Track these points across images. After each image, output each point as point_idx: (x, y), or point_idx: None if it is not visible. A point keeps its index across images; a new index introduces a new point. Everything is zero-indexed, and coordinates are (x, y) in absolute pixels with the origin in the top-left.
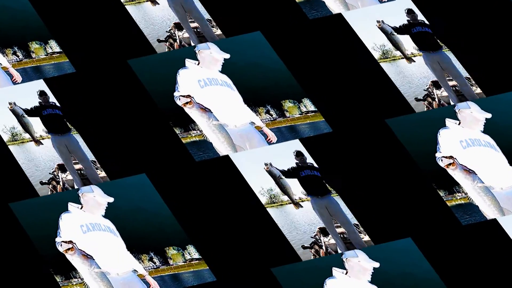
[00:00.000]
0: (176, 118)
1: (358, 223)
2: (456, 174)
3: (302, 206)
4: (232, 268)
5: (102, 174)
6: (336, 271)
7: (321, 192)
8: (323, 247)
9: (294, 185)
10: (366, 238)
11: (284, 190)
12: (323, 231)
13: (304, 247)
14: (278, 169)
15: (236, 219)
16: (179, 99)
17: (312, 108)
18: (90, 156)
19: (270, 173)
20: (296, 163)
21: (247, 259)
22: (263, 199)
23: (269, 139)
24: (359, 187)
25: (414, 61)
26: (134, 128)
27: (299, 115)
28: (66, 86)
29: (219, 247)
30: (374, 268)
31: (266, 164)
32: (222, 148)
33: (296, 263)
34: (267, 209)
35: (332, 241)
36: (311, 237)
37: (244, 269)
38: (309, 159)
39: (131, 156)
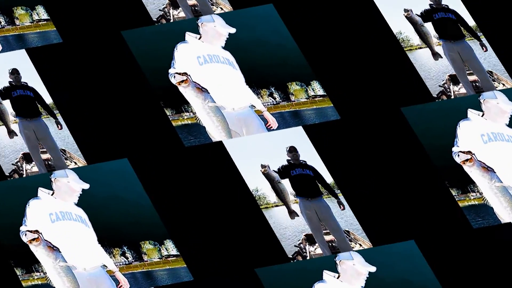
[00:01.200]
0: (168, 97)
1: (349, 230)
2: (472, 171)
3: (298, 215)
4: (212, 267)
5: (71, 165)
6: (327, 274)
7: (311, 194)
8: (308, 257)
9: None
10: (357, 247)
11: (281, 196)
12: (310, 239)
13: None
14: (276, 172)
15: (223, 214)
16: (174, 76)
17: (320, 92)
18: (62, 144)
19: (268, 176)
20: (288, 161)
21: (230, 258)
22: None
23: (269, 125)
24: (363, 182)
25: (441, 57)
26: (120, 106)
27: (306, 100)
28: (50, 57)
29: (200, 244)
30: (369, 273)
31: (263, 166)
32: (215, 133)
33: (283, 264)
34: (267, 209)
35: (319, 250)
36: (295, 246)
37: (225, 269)
38: (308, 152)
39: (114, 138)
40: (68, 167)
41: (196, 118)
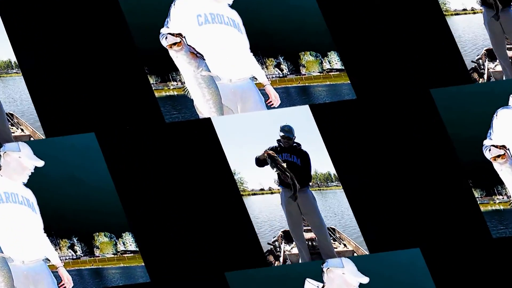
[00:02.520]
0: (155, 63)
1: (335, 227)
2: (503, 170)
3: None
4: (175, 268)
5: (17, 133)
6: (310, 283)
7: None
8: (281, 258)
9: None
10: (340, 247)
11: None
12: (287, 237)
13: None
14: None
15: (197, 206)
16: (166, 37)
17: (338, 65)
18: (13, 109)
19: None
20: (278, 142)
21: (197, 258)
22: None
23: (270, 101)
24: (369, 176)
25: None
26: (96, 70)
27: (318, 74)
28: (20, 8)
29: (164, 239)
30: (361, 285)
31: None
32: (204, 108)
33: (260, 269)
34: (243, 197)
35: (295, 250)
36: (268, 244)
37: (189, 271)
38: (311, 137)
39: (81, 107)
40: (13, 134)
41: (184, 89)
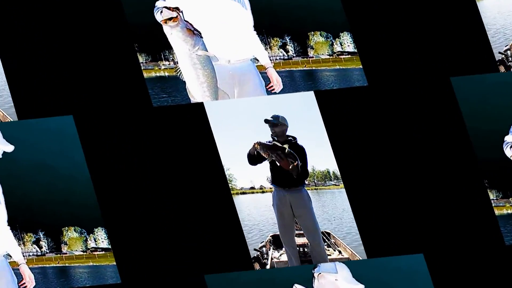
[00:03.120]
0: (146, 39)
1: (330, 231)
2: None
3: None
4: (150, 268)
5: None
6: None
7: (289, 183)
8: (268, 266)
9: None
10: (334, 254)
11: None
12: (276, 242)
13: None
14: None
15: (182, 202)
16: (161, 11)
17: (350, 48)
18: None
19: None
20: (272, 137)
21: (176, 258)
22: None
23: (271, 86)
24: (377, 174)
25: None
26: (78, 46)
27: (328, 57)
28: None
29: (141, 236)
30: None
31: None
32: (198, 91)
33: (242, 272)
34: (232, 195)
35: (284, 257)
36: (255, 250)
37: (165, 272)
38: (313, 127)
39: (61, 87)
40: None
41: (176, 69)
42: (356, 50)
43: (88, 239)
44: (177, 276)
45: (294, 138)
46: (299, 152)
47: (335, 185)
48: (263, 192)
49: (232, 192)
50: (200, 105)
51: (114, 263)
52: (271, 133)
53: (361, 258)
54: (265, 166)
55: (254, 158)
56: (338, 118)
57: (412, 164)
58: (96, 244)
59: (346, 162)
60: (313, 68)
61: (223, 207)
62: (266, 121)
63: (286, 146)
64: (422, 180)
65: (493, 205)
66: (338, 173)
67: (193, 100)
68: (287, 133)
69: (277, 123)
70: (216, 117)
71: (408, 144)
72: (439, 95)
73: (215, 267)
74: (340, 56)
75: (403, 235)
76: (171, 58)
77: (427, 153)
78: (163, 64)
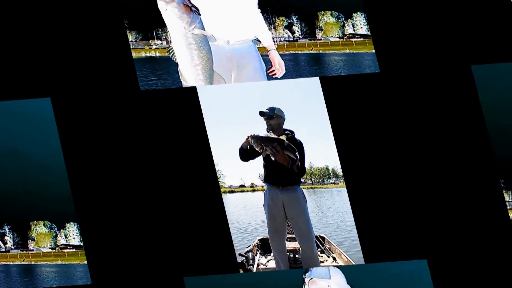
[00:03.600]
0: (138, 15)
1: (325, 236)
2: None
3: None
4: (124, 269)
5: None
6: None
7: (283, 181)
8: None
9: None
10: (328, 261)
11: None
12: (264, 246)
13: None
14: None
15: (166, 198)
16: None
17: (363, 30)
18: None
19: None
20: (268, 131)
21: (154, 258)
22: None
23: (272, 70)
24: (383, 173)
25: None
26: (61, 20)
27: (338, 39)
28: None
29: (117, 235)
30: None
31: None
32: (191, 74)
33: (225, 275)
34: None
35: (271, 264)
36: (240, 254)
37: (141, 273)
38: (316, 118)
39: (38, 67)
40: None
41: (169, 49)
42: (369, 33)
43: (58, 235)
44: (154, 278)
45: (292, 132)
46: (297, 148)
47: (334, 183)
48: (253, 190)
49: (221, 189)
50: (193, 90)
51: (85, 262)
52: (266, 126)
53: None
54: (257, 162)
55: (246, 152)
56: (344, 108)
57: (421, 162)
58: (66, 240)
59: (349, 158)
60: (320, 51)
61: (210, 206)
62: (261, 113)
63: (283, 137)
64: (431, 178)
65: (508, 207)
66: (339, 171)
67: (185, 84)
68: (284, 126)
69: (272, 115)
70: (209, 104)
71: (419, 139)
72: (458, 85)
73: (197, 269)
74: (351, 39)
75: (406, 238)
76: (164, 37)
77: (439, 149)
78: (155, 44)
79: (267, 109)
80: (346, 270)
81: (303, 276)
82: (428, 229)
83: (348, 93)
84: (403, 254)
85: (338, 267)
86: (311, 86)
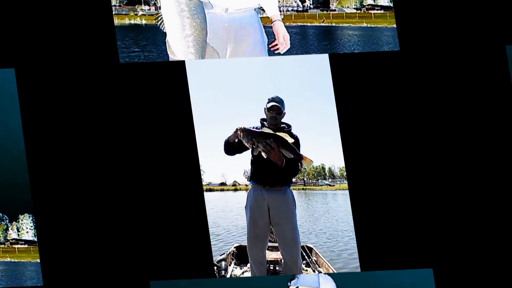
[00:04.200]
0: None
1: (312, 246)
2: None
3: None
4: (81, 270)
5: None
6: None
7: (270, 181)
8: None
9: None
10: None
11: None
12: (240, 255)
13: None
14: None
15: (139, 190)
16: None
17: (384, 1)
18: None
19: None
20: (262, 121)
21: (116, 261)
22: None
23: (275, 44)
24: (392, 170)
25: None
26: None
27: (354, 11)
28: None
29: (77, 231)
30: None
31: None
32: (180, 46)
33: (194, 280)
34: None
35: (247, 274)
36: (213, 263)
37: (102, 277)
38: (320, 102)
39: (2, 35)
40: None
41: (157, 17)
42: (391, 4)
43: (10, 228)
44: (116, 281)
45: (288, 125)
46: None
47: (330, 185)
48: (236, 190)
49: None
50: (180, 64)
51: (38, 260)
52: (266, 117)
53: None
54: (244, 157)
55: (232, 146)
56: (356, 93)
57: (434, 157)
58: (18, 235)
59: (354, 156)
60: (333, 24)
61: (189, 204)
62: (271, 108)
63: (284, 135)
64: (442, 177)
65: None
66: (336, 170)
67: (172, 58)
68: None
69: (282, 111)
70: (198, 81)
71: (439, 133)
72: (489, 67)
73: (166, 273)
74: (370, 11)
75: (411, 246)
76: (153, 2)
77: (447, 144)
78: (141, 9)
79: (275, 100)
80: (345, 278)
81: (288, 284)
82: (435, 236)
83: (361, 74)
84: (407, 262)
85: (336, 274)
86: (319, 65)
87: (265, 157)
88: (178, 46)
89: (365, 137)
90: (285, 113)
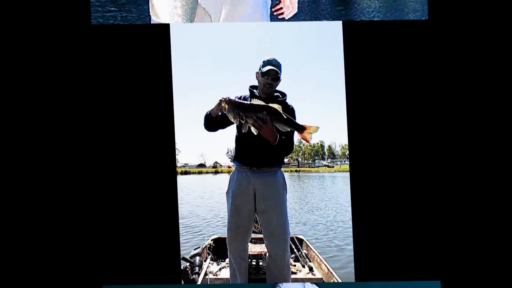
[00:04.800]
0: None
1: (303, 237)
2: None
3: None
4: (21, 270)
5: None
6: None
7: (259, 160)
8: (199, 282)
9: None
10: (302, 273)
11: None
12: (217, 249)
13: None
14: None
15: (103, 171)
16: None
17: None
18: None
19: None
20: (251, 89)
21: (68, 261)
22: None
23: (280, 7)
24: (402, 165)
25: None
26: None
27: None
28: None
29: (34, 223)
30: None
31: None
32: (165, 7)
33: (156, 285)
34: None
35: (225, 274)
36: (184, 259)
37: (50, 277)
38: (326, 74)
39: None
40: None
41: None
42: None
43: None
44: (67, 282)
45: (283, 94)
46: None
47: (329, 166)
48: (216, 172)
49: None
50: (164, 28)
51: None
52: (259, 83)
53: (339, 281)
54: (227, 133)
55: (215, 121)
56: (369, 66)
57: (449, 166)
58: None
59: (359, 133)
60: None
61: (158, 189)
62: (267, 73)
63: (277, 106)
64: (458, 185)
65: None
66: (338, 149)
67: (155, 20)
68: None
69: (279, 77)
70: (183, 48)
71: (464, 120)
72: None
73: (119, 276)
74: None
75: (419, 257)
76: None
77: (461, 139)
78: None
79: (273, 64)
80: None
81: None
82: (444, 247)
83: (379, 47)
84: (414, 273)
85: (336, 284)
86: (330, 33)
87: (255, 133)
88: (163, 6)
89: (375, 117)
90: (280, 80)
